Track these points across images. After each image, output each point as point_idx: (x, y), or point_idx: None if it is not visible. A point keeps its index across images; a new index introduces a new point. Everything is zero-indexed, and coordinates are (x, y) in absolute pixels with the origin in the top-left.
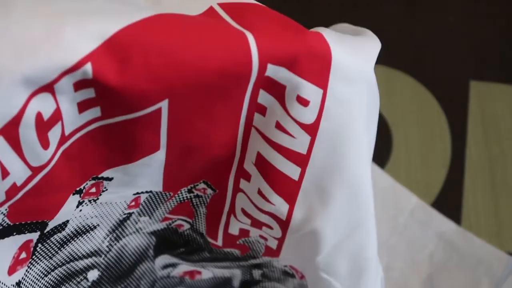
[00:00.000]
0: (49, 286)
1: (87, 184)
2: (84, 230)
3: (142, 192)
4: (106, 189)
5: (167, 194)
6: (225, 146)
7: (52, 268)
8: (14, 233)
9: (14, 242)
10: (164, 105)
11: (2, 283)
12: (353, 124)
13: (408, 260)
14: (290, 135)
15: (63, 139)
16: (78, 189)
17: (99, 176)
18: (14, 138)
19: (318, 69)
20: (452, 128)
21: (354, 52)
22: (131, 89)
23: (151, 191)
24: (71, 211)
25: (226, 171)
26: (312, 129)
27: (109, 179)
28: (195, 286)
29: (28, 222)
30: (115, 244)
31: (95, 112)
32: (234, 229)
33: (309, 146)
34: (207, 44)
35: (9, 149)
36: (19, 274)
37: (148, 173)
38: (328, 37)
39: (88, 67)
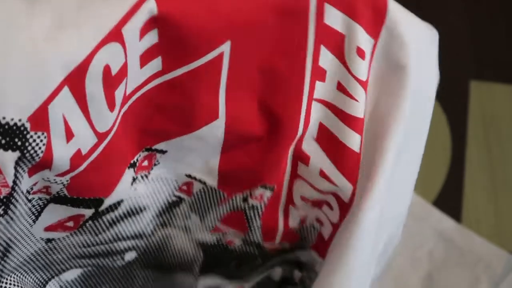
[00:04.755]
0: (84, 256)
1: (139, 155)
2: (135, 211)
3: (195, 179)
4: (158, 163)
5: (221, 193)
6: (287, 120)
7: (94, 243)
8: (69, 204)
9: (66, 210)
10: (226, 49)
11: (32, 234)
12: (393, 92)
13: (408, 258)
14: (351, 96)
15: (124, 99)
16: (132, 161)
17: (153, 147)
18: (80, 92)
19: (372, 19)
20: (452, 128)
21: (411, 18)
22: (194, 26)
23: (205, 183)
24: (126, 189)
25: (283, 158)
26: (365, 86)
27: (162, 151)
28: None
29: (86, 198)
30: (160, 230)
31: (156, 65)
32: (294, 223)
33: (364, 107)
34: None
35: (75, 105)
36: (56, 235)
37: (203, 149)
38: None
39: (152, 2)
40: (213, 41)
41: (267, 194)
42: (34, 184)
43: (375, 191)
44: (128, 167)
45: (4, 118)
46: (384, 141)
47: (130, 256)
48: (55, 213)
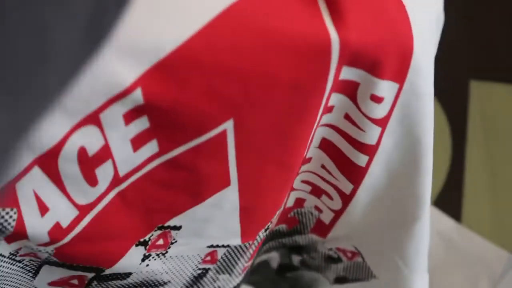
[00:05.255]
0: None
1: (152, 235)
2: (152, 285)
3: (218, 246)
4: (176, 241)
5: (247, 244)
6: (295, 162)
7: None
8: (64, 268)
9: (64, 272)
10: (229, 126)
11: (34, 286)
12: (423, 112)
13: None
14: (359, 128)
15: (116, 180)
16: (142, 240)
17: (165, 225)
18: (53, 171)
19: (398, 67)
20: (452, 128)
21: (432, 46)
22: (190, 111)
23: (228, 246)
24: (134, 265)
25: (292, 182)
26: (383, 122)
27: (177, 228)
28: None
29: (80, 265)
30: None
31: (151, 147)
32: (290, 202)
33: (378, 137)
34: (279, 56)
35: (48, 182)
36: None
37: (220, 217)
38: (414, 26)
39: (138, 92)
40: (213, 121)
41: (279, 211)
42: (19, 249)
43: (426, 217)
44: (136, 245)
45: None
46: (424, 179)
47: None
48: (54, 272)
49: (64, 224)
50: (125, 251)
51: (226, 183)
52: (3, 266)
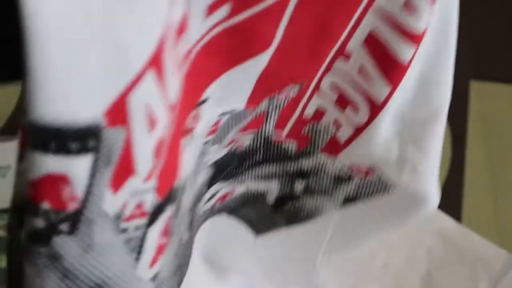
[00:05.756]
0: (171, 271)
1: (190, 116)
2: (184, 185)
3: (225, 113)
4: (201, 118)
5: (248, 110)
6: (335, 33)
7: (175, 246)
8: (159, 214)
9: (158, 226)
10: None
11: (139, 279)
12: None
13: (407, 257)
14: (417, 14)
15: (186, 55)
16: (184, 129)
17: (199, 101)
18: (161, 70)
19: None
20: (452, 128)
21: None
22: None
23: (233, 111)
24: (183, 162)
25: (323, 58)
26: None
27: (204, 102)
28: (223, 209)
29: (170, 194)
30: (191, 187)
31: (221, 12)
32: (310, 110)
33: (427, 24)
34: None
35: (158, 87)
36: (158, 265)
37: (242, 82)
38: None
39: None
40: None
41: (295, 89)
42: (124, 208)
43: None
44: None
45: (73, 120)
46: (446, 71)
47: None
48: (151, 242)
49: (162, 137)
50: (180, 147)
51: (267, 46)
52: (106, 233)
